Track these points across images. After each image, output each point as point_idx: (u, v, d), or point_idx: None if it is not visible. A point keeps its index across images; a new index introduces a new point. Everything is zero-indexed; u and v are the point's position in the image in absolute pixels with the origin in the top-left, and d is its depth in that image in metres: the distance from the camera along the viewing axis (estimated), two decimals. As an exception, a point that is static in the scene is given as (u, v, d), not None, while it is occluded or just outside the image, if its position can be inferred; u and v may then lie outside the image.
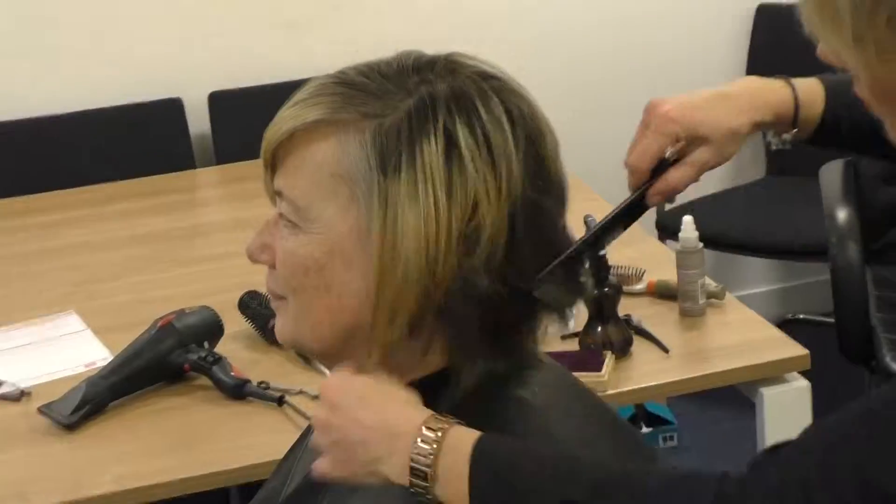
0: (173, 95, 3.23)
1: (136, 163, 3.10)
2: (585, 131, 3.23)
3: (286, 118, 1.06)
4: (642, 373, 1.93)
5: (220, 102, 3.25)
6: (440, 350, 1.08)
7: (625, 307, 2.06)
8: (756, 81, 1.34)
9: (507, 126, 1.05)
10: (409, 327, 1.05)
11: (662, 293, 2.14)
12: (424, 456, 0.98)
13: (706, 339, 2.03)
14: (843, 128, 1.33)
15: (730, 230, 3.23)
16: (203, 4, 3.27)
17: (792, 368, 1.94)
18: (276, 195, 1.08)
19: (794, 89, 1.32)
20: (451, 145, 1.03)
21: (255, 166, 1.12)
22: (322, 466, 1.04)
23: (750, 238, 3.24)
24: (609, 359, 1.89)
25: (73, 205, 2.89)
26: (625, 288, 2.14)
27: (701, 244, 2.06)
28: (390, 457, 0.99)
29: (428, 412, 1.01)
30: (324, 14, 3.31)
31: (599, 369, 1.86)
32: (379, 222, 1.02)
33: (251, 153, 1.23)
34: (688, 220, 2.06)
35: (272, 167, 1.09)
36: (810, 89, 1.33)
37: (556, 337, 1.98)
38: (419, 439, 0.99)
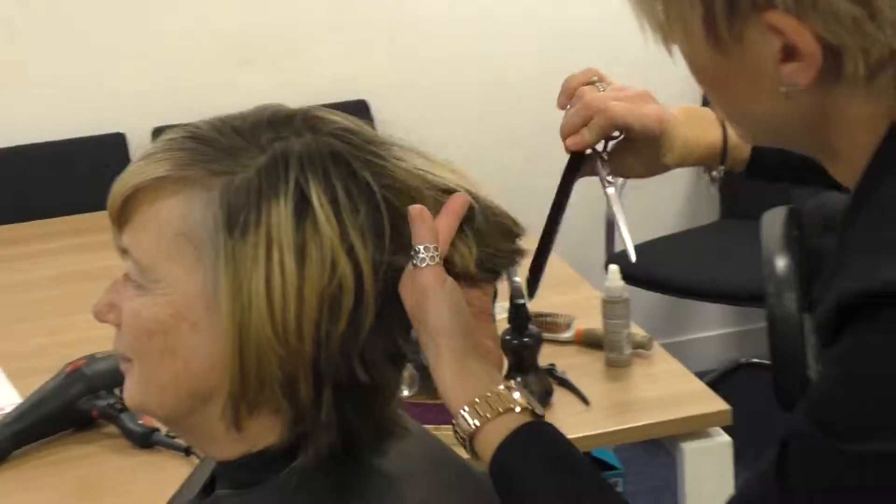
0: (118, 130, 3.20)
1: (77, 197, 3.06)
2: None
3: (131, 173, 1.01)
4: (561, 424, 1.85)
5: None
6: (291, 417, 1.03)
7: (551, 356, 2.03)
8: (696, 112, 1.31)
9: (366, 185, 1.01)
10: (282, 393, 1.00)
11: (590, 342, 2.10)
12: (464, 430, 0.99)
13: (630, 391, 2.00)
14: (772, 161, 1.31)
15: (682, 274, 3.21)
16: (151, 40, 3.24)
17: (715, 423, 1.90)
18: (122, 252, 1.03)
19: (724, 128, 1.29)
20: (303, 204, 0.98)
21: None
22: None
23: (701, 283, 3.20)
24: (524, 411, 1.85)
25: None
26: (552, 336, 2.11)
27: (626, 294, 2.02)
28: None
29: (474, 393, 0.99)
30: (273, 54, 3.30)
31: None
32: (225, 287, 0.97)
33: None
34: (613, 269, 2.03)
35: (119, 223, 1.04)
36: None
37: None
38: (461, 413, 0.99)
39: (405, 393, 1.92)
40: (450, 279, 1.01)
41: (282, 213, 0.97)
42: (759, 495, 0.91)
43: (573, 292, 2.24)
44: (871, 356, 0.86)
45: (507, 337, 1.88)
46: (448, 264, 1.02)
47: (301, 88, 3.41)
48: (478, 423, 0.98)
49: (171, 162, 1.00)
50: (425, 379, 1.91)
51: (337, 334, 0.98)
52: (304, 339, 0.97)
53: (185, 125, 1.03)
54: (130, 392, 1.06)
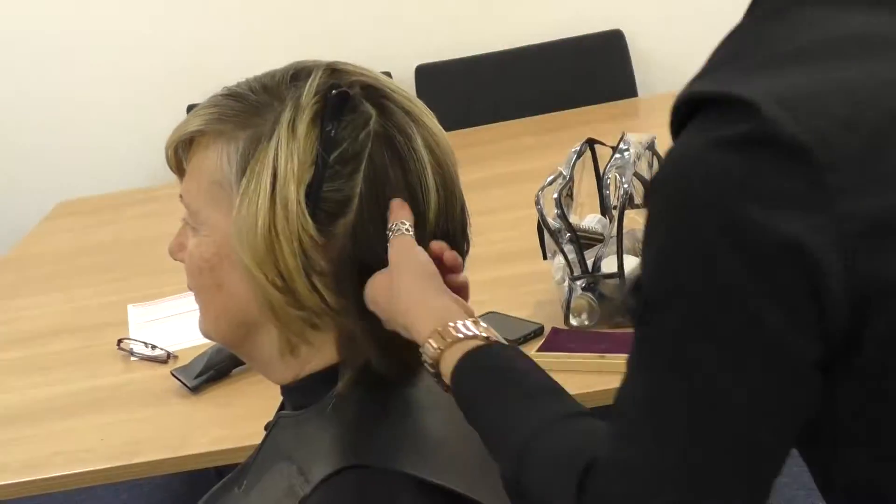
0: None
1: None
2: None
3: (177, 127, 1.14)
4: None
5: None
6: (333, 346, 1.14)
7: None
8: None
9: (364, 119, 1.09)
10: (304, 322, 1.11)
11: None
12: (431, 357, 1.04)
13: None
14: None
15: None
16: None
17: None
18: (180, 198, 1.17)
19: None
20: (288, 138, 1.07)
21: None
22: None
23: None
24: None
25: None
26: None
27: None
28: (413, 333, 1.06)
29: (443, 323, 1.04)
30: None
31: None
32: (234, 223, 1.09)
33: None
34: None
35: (178, 172, 1.17)
36: None
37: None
38: (428, 342, 1.04)
39: (585, 322, 1.99)
40: (416, 249, 1.08)
41: (269, 152, 1.07)
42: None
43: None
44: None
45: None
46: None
47: (554, 16, 3.47)
48: (441, 348, 1.03)
49: (207, 118, 1.12)
50: (605, 308, 1.98)
51: (323, 267, 1.07)
52: (293, 274, 1.07)
53: (229, 86, 1.15)
54: (199, 321, 1.20)
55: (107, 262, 2.84)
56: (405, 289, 1.06)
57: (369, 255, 1.07)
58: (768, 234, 0.83)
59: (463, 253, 1.15)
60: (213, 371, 2.07)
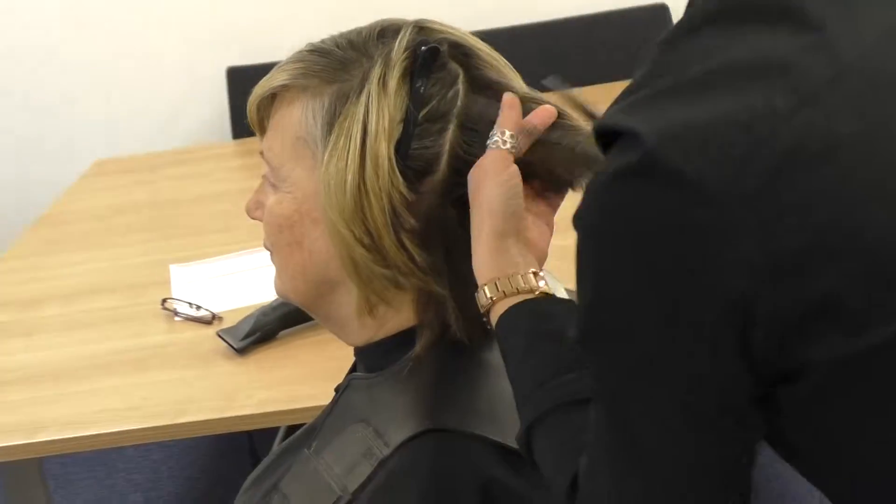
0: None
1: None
2: None
3: (260, 84, 1.13)
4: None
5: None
6: (412, 307, 1.13)
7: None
8: None
9: (454, 77, 1.08)
10: (387, 281, 1.10)
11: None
12: (482, 306, 1.04)
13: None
14: None
15: None
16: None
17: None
18: (262, 155, 1.16)
19: None
20: (378, 94, 1.06)
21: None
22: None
23: None
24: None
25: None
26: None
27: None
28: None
29: (502, 271, 1.03)
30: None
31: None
32: (321, 182, 1.08)
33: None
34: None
35: (259, 129, 1.16)
36: None
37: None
38: (481, 293, 1.03)
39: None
40: (514, 166, 1.05)
41: (360, 107, 1.06)
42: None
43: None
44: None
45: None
46: (525, 163, 1.07)
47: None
48: (493, 298, 1.02)
49: (293, 73, 1.11)
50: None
51: (412, 224, 1.06)
52: (381, 231, 1.06)
53: (315, 42, 1.14)
54: (274, 280, 1.19)
55: (146, 222, 2.83)
56: (482, 227, 1.04)
57: (457, 213, 1.06)
58: (673, 273, 0.80)
59: None
60: (260, 333, 2.06)
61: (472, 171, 1.06)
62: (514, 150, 1.05)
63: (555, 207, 1.11)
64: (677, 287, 0.80)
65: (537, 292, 1.02)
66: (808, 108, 0.80)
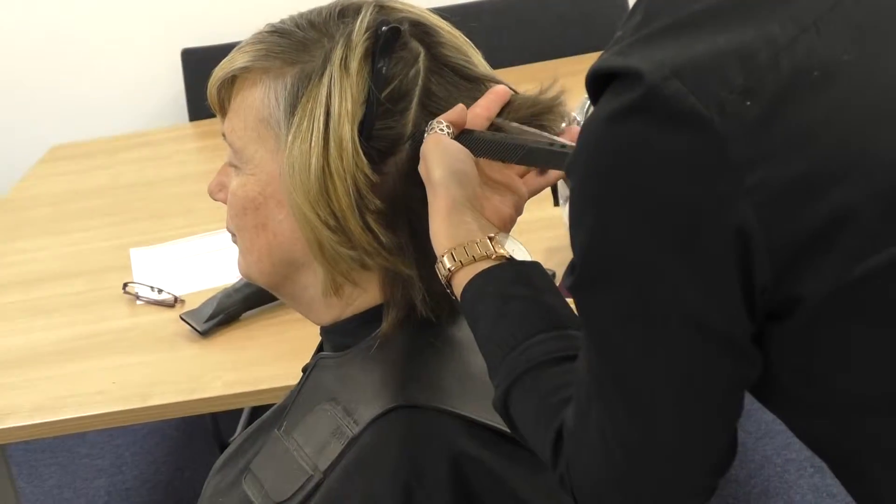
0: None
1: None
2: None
3: (221, 66, 1.13)
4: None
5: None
6: (378, 287, 1.14)
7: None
8: None
9: (414, 56, 1.08)
10: (353, 262, 1.10)
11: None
12: (442, 274, 1.04)
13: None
14: None
15: None
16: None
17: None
18: (223, 137, 1.16)
19: None
20: (340, 75, 1.06)
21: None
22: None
23: None
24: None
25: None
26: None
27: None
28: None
29: (458, 241, 1.03)
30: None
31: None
32: (284, 163, 1.08)
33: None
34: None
35: (221, 111, 1.16)
36: None
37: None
38: (439, 263, 1.04)
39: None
40: (446, 140, 1.06)
41: (322, 89, 1.06)
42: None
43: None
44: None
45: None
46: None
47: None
48: (452, 269, 1.02)
49: (254, 54, 1.10)
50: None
51: (377, 205, 1.07)
52: (346, 212, 1.06)
53: (273, 23, 1.14)
54: (238, 262, 1.19)
55: (105, 206, 2.82)
56: (435, 200, 1.04)
57: (421, 192, 1.07)
58: (678, 208, 0.81)
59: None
60: (224, 315, 2.06)
61: (420, 156, 1.07)
62: (445, 132, 1.06)
63: (522, 173, 1.12)
64: (682, 219, 0.81)
65: (494, 256, 1.02)
66: (807, 35, 0.82)
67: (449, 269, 1.02)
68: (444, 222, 1.03)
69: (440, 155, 1.05)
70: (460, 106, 1.08)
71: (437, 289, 1.09)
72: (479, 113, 1.09)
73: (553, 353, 0.97)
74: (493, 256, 1.02)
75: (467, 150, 1.06)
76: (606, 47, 0.88)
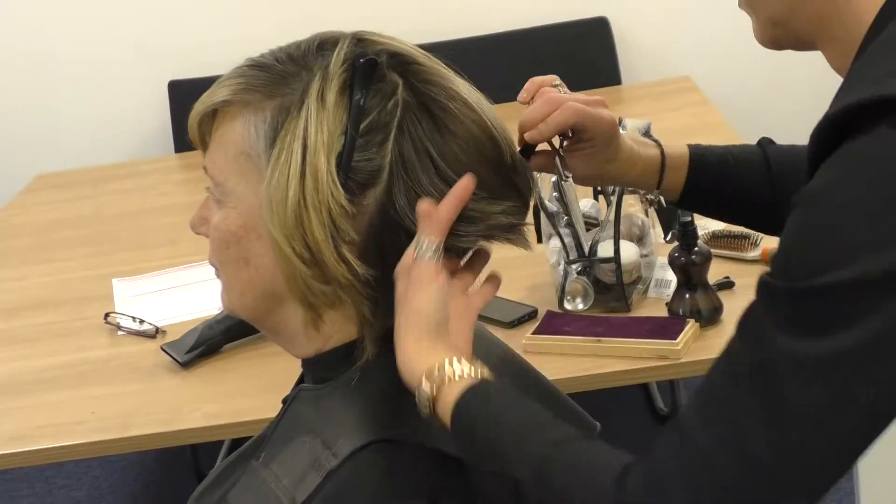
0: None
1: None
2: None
3: (201, 100, 1.13)
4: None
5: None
6: (356, 319, 1.14)
7: (736, 272, 2.05)
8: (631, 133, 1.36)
9: (392, 88, 1.09)
10: (329, 297, 1.10)
11: (777, 261, 2.09)
12: (426, 399, 1.05)
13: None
14: (706, 190, 1.35)
15: None
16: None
17: None
18: (205, 170, 1.16)
19: (662, 151, 1.33)
20: (317, 108, 1.07)
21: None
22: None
23: None
24: (690, 327, 1.89)
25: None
26: (738, 254, 2.13)
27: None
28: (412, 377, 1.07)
29: (435, 360, 1.05)
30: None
31: (675, 337, 1.86)
32: (263, 196, 1.09)
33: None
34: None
35: (201, 145, 1.16)
36: (677, 154, 1.34)
37: (657, 302, 2.00)
38: (422, 384, 1.05)
39: (580, 307, 2.00)
40: (444, 274, 1.08)
41: (300, 122, 1.06)
42: (732, 353, 0.92)
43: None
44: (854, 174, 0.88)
45: (676, 255, 1.92)
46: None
47: (538, 2, 3.47)
48: (435, 389, 1.04)
49: (234, 88, 1.11)
50: (600, 293, 1.99)
51: (353, 238, 1.07)
52: (320, 245, 1.06)
53: (253, 56, 1.14)
54: (221, 298, 1.18)
55: (88, 236, 2.82)
56: (408, 328, 1.07)
57: (398, 226, 1.07)
58: None
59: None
60: (205, 346, 2.06)
61: (399, 274, 1.08)
62: (439, 259, 1.08)
63: (476, 273, 1.14)
64: None
65: (475, 374, 1.05)
66: None
67: (432, 389, 1.05)
68: (418, 349, 1.06)
69: (435, 291, 1.07)
70: (462, 187, 1.09)
71: None
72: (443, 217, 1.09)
73: (579, 434, 1.00)
74: (475, 377, 1.05)
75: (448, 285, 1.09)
76: (850, 85, 0.93)
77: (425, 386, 1.05)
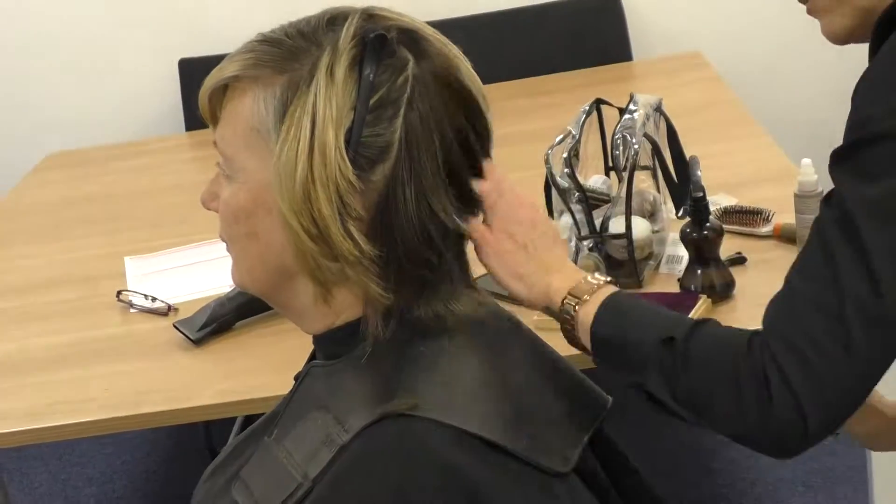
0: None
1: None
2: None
3: (212, 74, 1.13)
4: (746, 316, 1.90)
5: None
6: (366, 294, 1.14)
7: (748, 248, 2.04)
8: None
9: (403, 63, 1.09)
10: (335, 273, 1.10)
11: (789, 237, 2.09)
12: (571, 308, 1.21)
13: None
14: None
15: None
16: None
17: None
18: (215, 146, 1.16)
19: None
20: (326, 82, 1.07)
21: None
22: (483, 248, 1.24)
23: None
24: (702, 302, 1.88)
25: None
26: (750, 230, 2.12)
27: (821, 188, 2.00)
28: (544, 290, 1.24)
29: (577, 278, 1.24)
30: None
31: (687, 313, 1.86)
32: (273, 171, 1.09)
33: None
34: (806, 162, 2.01)
35: (212, 120, 1.16)
36: None
37: (669, 278, 2.00)
38: (566, 298, 1.22)
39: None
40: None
41: (309, 97, 1.07)
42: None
43: (783, 187, 2.22)
44: None
45: (687, 230, 1.92)
46: None
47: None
48: (577, 305, 1.21)
49: (244, 63, 1.11)
50: (611, 269, 1.99)
51: (360, 213, 1.07)
52: (327, 221, 1.07)
53: (264, 32, 1.14)
54: (232, 271, 1.19)
55: (99, 215, 2.83)
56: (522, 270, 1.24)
57: (407, 202, 1.07)
58: None
59: None
60: (217, 324, 2.07)
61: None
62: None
63: None
64: None
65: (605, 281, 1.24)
66: None
67: (575, 306, 1.21)
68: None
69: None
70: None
71: (422, 299, 1.11)
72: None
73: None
74: (605, 283, 1.24)
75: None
76: None
77: (570, 305, 1.21)
